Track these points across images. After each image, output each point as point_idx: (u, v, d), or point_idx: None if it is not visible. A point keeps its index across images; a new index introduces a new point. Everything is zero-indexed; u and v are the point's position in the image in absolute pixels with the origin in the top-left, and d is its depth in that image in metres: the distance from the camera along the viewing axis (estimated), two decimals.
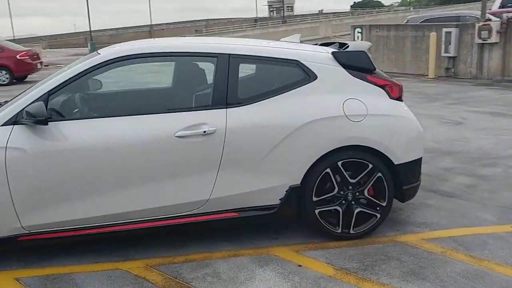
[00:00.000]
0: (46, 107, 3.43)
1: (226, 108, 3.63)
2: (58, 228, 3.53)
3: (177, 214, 3.64)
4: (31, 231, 3.50)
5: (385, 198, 3.89)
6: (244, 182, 3.66)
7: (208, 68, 3.91)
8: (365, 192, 3.87)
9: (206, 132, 3.54)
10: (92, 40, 40.68)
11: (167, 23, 65.22)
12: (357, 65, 3.92)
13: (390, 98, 3.93)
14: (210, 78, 3.87)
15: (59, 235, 3.56)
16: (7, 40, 23.47)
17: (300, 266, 3.52)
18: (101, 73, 3.68)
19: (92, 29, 46.53)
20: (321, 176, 3.75)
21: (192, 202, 3.62)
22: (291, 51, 3.91)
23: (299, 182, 3.73)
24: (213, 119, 3.59)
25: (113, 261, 3.66)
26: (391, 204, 3.96)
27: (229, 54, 3.75)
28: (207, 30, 39.43)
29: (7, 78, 16.28)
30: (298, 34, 4.80)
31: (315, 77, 3.81)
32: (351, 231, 3.88)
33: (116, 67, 3.68)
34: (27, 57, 16.62)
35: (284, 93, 3.74)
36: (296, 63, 3.82)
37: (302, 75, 3.80)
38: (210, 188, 3.62)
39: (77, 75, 3.58)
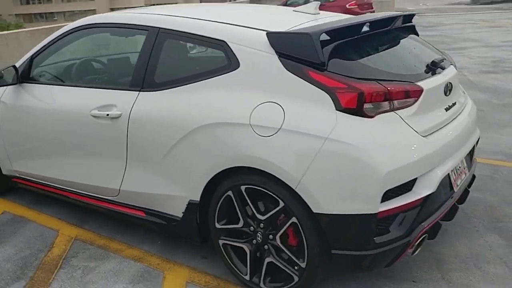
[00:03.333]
0: (30, 68, 3.70)
1: (140, 91, 3.05)
2: (35, 179, 3.86)
3: (102, 197, 3.40)
4: (20, 176, 3.96)
5: (304, 257, 2.57)
6: (149, 182, 3.07)
7: None
8: (277, 239, 2.65)
9: (109, 116, 3.11)
10: None
11: None
12: (296, 54, 2.57)
13: (338, 109, 2.44)
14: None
15: (38, 187, 3.89)
16: None
17: None
18: (68, 42, 3.63)
19: None
20: (223, 198, 2.77)
21: (108, 188, 3.30)
22: (220, 28, 2.87)
23: (198, 199, 2.86)
24: (123, 102, 3.09)
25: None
26: (318, 269, 2.58)
27: (159, 28, 3.06)
28: None
29: None
30: (317, 2, 3.35)
31: (237, 65, 2.72)
32: (261, 285, 2.77)
33: (76, 38, 3.57)
34: (356, 6, 16.90)
35: (199, 82, 2.83)
36: (221, 45, 2.80)
37: (225, 60, 2.77)
38: (120, 179, 3.20)
39: (48, 44, 3.65)
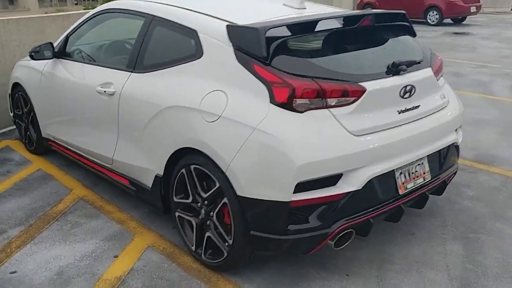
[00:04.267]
0: (65, 45, 4.27)
1: (132, 72, 3.45)
2: (60, 143, 4.46)
3: (103, 164, 3.87)
4: (52, 139, 4.58)
5: (232, 234, 2.82)
6: (131, 154, 3.47)
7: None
8: (214, 216, 2.92)
9: (106, 92, 3.55)
10: None
11: None
12: (246, 47, 2.78)
13: (271, 102, 2.63)
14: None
15: (62, 150, 4.48)
16: None
17: (116, 256, 3.22)
18: (92, 25, 4.12)
19: None
20: (179, 175, 3.10)
21: (106, 157, 3.75)
22: (195, 17, 3.16)
23: (162, 173, 3.21)
24: (118, 81, 3.51)
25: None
26: (243, 248, 2.82)
27: (153, 15, 3.43)
28: None
29: (436, 19, 16.27)
30: None
31: (201, 54, 3.00)
32: (203, 256, 3.07)
33: (100, 21, 4.07)
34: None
35: (172, 67, 3.15)
36: (193, 33, 3.09)
37: (194, 49, 3.06)
38: (113, 149, 3.65)
39: (78, 25, 4.19)
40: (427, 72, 3.13)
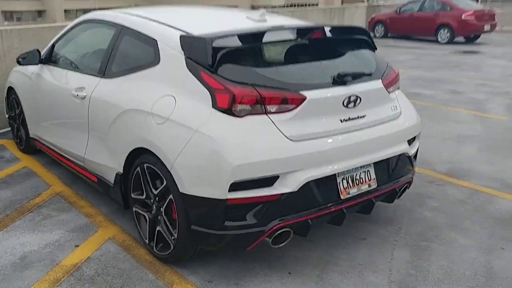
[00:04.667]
0: (51, 53, 4.53)
1: (101, 78, 3.67)
2: (43, 142, 4.70)
3: (77, 162, 4.09)
4: (37, 139, 4.83)
5: (176, 228, 2.99)
6: (99, 153, 3.68)
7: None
8: (163, 211, 3.10)
9: (79, 96, 3.78)
10: None
11: None
12: (195, 56, 2.98)
13: (214, 107, 2.81)
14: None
15: (44, 149, 4.72)
16: None
17: (77, 246, 3.41)
18: (75, 33, 4.37)
19: None
20: (135, 173, 3.29)
21: (79, 156, 3.96)
22: (156, 28, 3.38)
23: (121, 171, 3.41)
24: (89, 85, 3.74)
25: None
26: (188, 242, 2.98)
27: (122, 25, 3.66)
28: None
29: (447, 37, 16.26)
30: (264, 10, 3.60)
31: (158, 62, 3.21)
32: (155, 249, 3.24)
33: (81, 30, 4.33)
34: (473, 17, 15.92)
35: (134, 74, 3.38)
36: (153, 43, 3.30)
37: (153, 57, 3.27)
38: (84, 148, 3.86)
39: (62, 34, 4.46)
40: (376, 84, 3.26)
